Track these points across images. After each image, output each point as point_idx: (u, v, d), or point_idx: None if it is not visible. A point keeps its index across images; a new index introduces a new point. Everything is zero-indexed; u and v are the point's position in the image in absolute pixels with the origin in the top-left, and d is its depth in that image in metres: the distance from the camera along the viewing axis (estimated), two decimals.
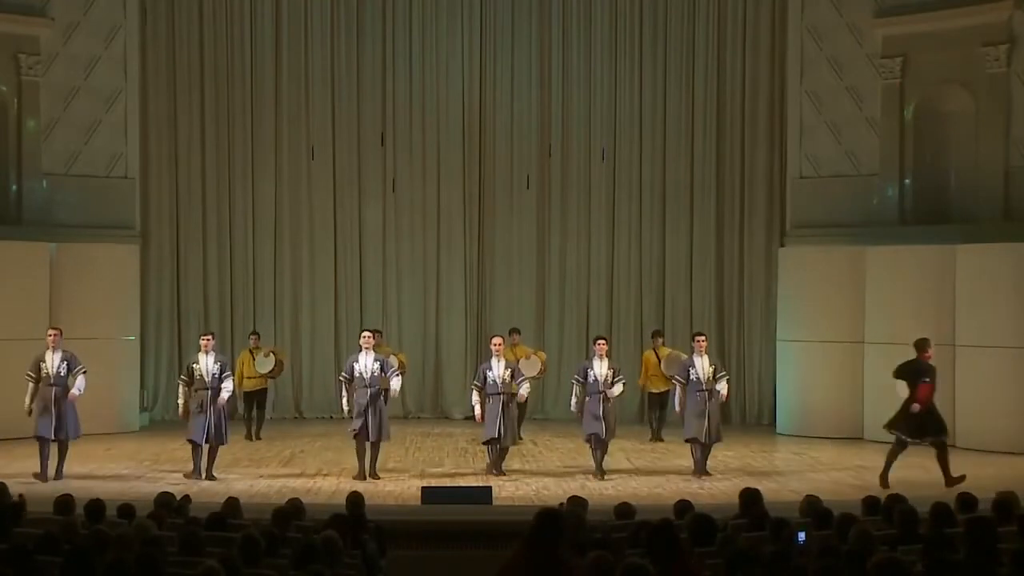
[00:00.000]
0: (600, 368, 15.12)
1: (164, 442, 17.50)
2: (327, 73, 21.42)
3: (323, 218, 21.47)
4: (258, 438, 18.22)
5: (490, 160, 21.61)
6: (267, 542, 8.12)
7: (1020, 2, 18.39)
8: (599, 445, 15.00)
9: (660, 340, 18.77)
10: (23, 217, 19.32)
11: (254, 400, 18.61)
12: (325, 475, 15.12)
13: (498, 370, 15.18)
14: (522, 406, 16.65)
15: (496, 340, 15.72)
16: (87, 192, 19.72)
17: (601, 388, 14.99)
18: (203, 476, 14.69)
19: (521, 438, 17.21)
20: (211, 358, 14.94)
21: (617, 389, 15.18)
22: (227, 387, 14.99)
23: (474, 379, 15.69)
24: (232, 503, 10.06)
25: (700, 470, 15.06)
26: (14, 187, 19.35)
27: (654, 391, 18.53)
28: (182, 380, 15.15)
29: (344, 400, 15.18)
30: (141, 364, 20.10)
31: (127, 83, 20.08)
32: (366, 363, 15.00)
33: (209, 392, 14.79)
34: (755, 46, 21.06)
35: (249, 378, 18.37)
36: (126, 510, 9.74)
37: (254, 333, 19.19)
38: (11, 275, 18.28)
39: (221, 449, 15.06)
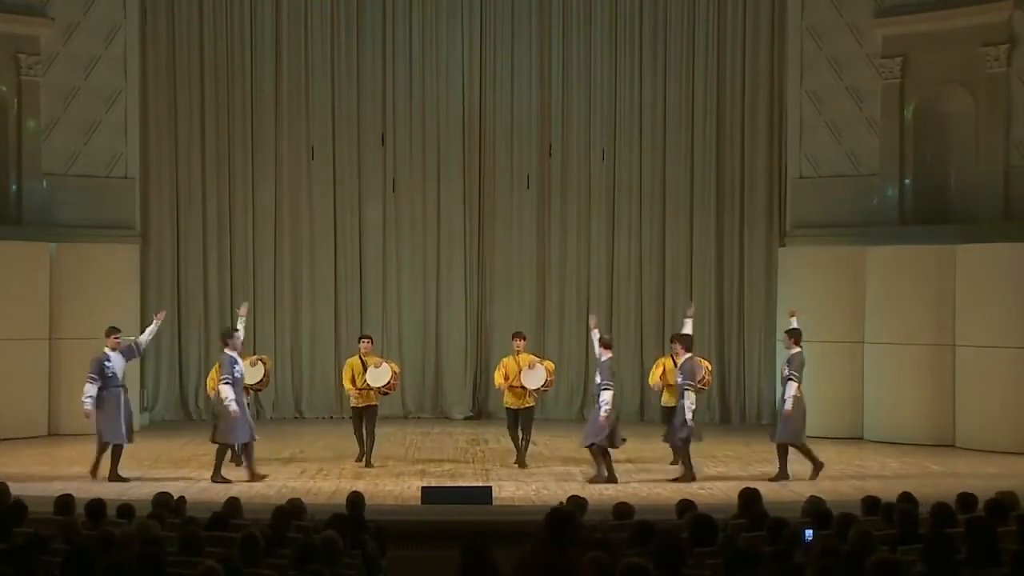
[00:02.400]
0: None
1: (164, 442, 17.49)
2: (327, 73, 21.41)
3: (323, 218, 21.46)
4: (238, 463, 15.46)
5: (490, 160, 21.61)
6: (267, 542, 8.13)
7: (1020, 2, 18.40)
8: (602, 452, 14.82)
9: (680, 347, 16.13)
10: (23, 217, 19.31)
11: None
12: (325, 475, 15.12)
13: None
14: (528, 424, 16.00)
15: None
16: (87, 192, 19.70)
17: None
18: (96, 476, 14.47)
19: (526, 464, 15.93)
20: (121, 356, 14.90)
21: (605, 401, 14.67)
22: (148, 332, 15.28)
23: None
24: (232, 503, 10.06)
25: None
26: (14, 187, 19.33)
27: (667, 406, 16.11)
28: (91, 378, 14.69)
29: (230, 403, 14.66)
30: (141, 364, 19.98)
31: (127, 83, 20.06)
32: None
33: (122, 390, 14.75)
34: (755, 46, 21.05)
35: None
36: (125, 510, 9.75)
37: None
38: (11, 275, 18.28)
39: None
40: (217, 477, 14.48)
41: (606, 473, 14.61)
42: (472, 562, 6.67)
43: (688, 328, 15.97)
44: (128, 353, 15.07)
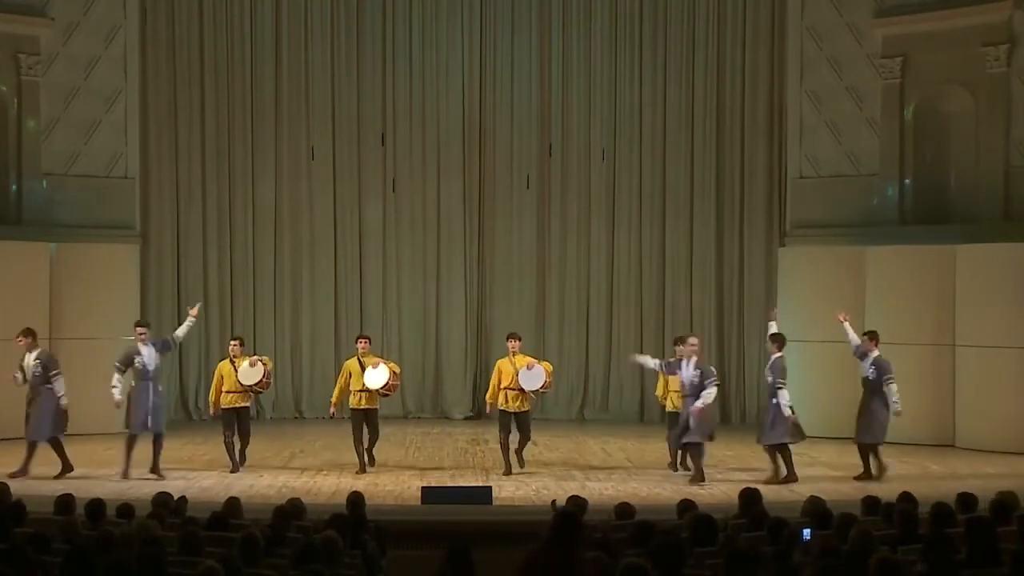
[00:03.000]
0: (688, 370, 14.91)
1: (164, 442, 17.44)
2: (327, 73, 21.42)
3: (323, 218, 21.46)
4: (240, 465, 15.41)
5: (490, 160, 21.61)
6: (267, 542, 8.12)
7: (1020, 2, 18.40)
8: (693, 450, 14.89)
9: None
10: (23, 217, 19.31)
11: (235, 419, 15.38)
12: (325, 475, 15.13)
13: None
14: (525, 427, 15.53)
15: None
16: (87, 192, 19.70)
17: (687, 392, 14.88)
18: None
19: (523, 465, 15.56)
20: (31, 356, 15.09)
21: (710, 396, 14.77)
22: (58, 387, 15.02)
23: None
24: (232, 503, 10.06)
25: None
26: (14, 187, 19.33)
27: (672, 410, 15.63)
28: (15, 377, 15.15)
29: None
30: None
31: (127, 83, 20.06)
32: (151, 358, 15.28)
33: (42, 389, 15.02)
34: (755, 46, 21.05)
35: (229, 392, 15.41)
36: (125, 510, 9.75)
37: (236, 339, 16.27)
38: (11, 275, 18.27)
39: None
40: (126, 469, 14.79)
41: (699, 473, 14.73)
42: (454, 564, 6.70)
43: (775, 328, 15.81)
44: (47, 364, 15.08)
